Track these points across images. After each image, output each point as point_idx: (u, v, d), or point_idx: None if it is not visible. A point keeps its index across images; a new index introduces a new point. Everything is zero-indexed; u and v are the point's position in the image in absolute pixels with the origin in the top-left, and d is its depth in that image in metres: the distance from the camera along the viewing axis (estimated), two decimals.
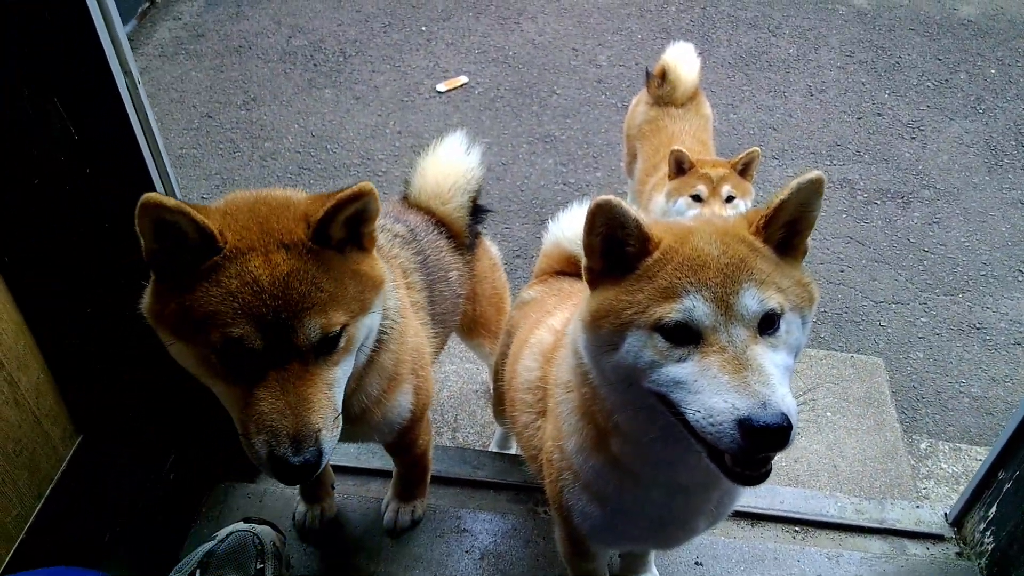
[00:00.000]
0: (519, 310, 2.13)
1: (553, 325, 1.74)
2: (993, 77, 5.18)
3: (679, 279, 1.18)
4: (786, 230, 1.29)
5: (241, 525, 1.99)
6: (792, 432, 1.09)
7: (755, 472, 1.18)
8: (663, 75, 3.49)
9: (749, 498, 2.24)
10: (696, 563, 2.14)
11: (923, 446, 3.08)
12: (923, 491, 2.93)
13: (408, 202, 2.15)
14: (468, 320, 2.34)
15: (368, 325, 1.42)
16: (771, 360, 1.16)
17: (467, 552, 2.18)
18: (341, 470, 2.35)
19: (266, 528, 2.00)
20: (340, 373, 1.36)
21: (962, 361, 3.55)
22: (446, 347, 2.52)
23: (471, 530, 2.23)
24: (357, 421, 1.66)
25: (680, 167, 3.09)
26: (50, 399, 1.78)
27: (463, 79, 5.05)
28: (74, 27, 1.57)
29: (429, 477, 2.24)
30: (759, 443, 1.08)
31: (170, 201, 1.21)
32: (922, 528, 2.27)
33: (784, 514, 2.27)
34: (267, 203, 1.37)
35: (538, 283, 2.20)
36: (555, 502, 1.63)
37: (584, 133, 4.72)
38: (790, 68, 5.21)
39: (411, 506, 2.21)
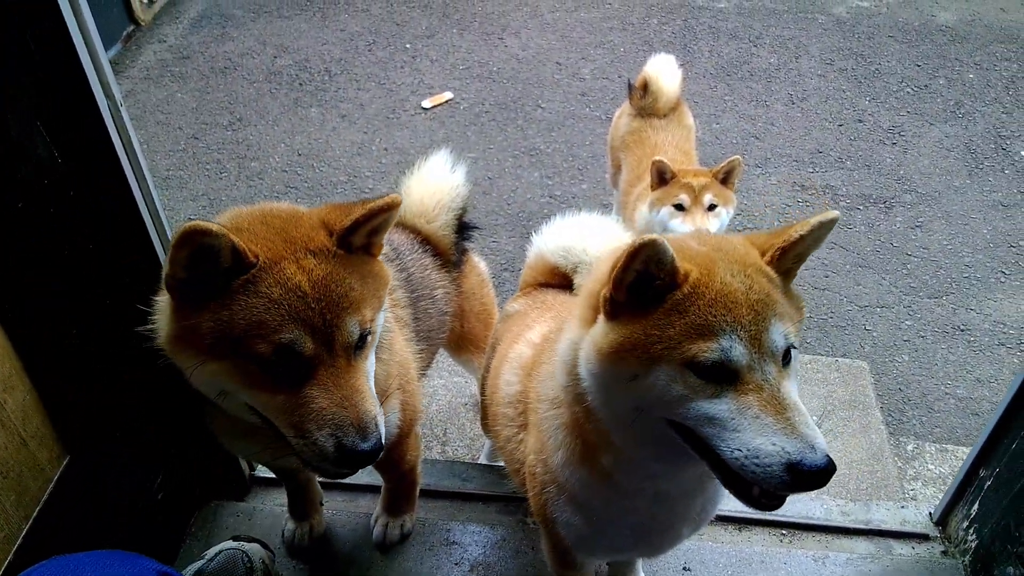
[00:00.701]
0: (503, 323, 2.15)
1: (532, 339, 1.76)
2: (971, 82, 5.25)
3: (714, 317, 1.18)
4: (794, 260, 1.32)
5: (230, 543, 1.99)
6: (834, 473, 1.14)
7: (779, 501, 1.23)
8: (645, 87, 3.54)
9: (735, 503, 2.25)
10: (684, 569, 2.16)
11: (910, 448, 3.11)
12: (910, 492, 2.96)
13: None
14: (456, 336, 2.36)
15: (381, 321, 1.49)
16: (797, 394, 1.21)
17: (457, 564, 2.19)
18: (329, 486, 2.37)
19: (255, 546, 2.01)
20: (370, 365, 1.43)
21: (947, 363, 3.59)
22: (435, 361, 2.54)
23: (460, 542, 2.24)
24: None
25: (662, 177, 3.12)
26: (36, 420, 1.79)
27: (448, 95, 5.10)
28: (56, 52, 1.59)
29: (418, 491, 2.26)
30: (805, 484, 1.13)
31: (213, 226, 1.22)
32: (907, 528, 2.29)
33: (770, 517, 2.29)
34: (276, 215, 1.42)
35: (522, 296, 2.22)
36: (539, 514, 1.65)
37: (569, 146, 4.76)
38: (771, 77, 5.27)
39: (400, 520, 2.23)
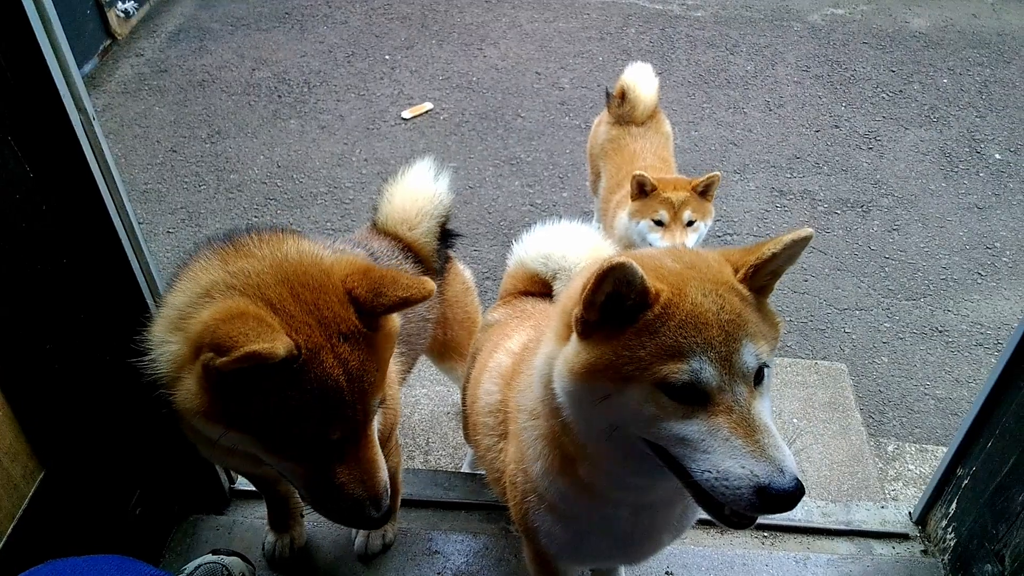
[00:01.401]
0: (484, 332, 2.16)
1: (511, 348, 1.76)
2: (945, 87, 5.32)
3: (684, 339, 1.18)
4: (769, 277, 1.32)
5: (210, 557, 1.98)
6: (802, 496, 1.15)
7: (749, 520, 1.24)
8: (623, 95, 3.56)
9: None
10: (667, 573, 2.16)
11: (890, 448, 3.13)
12: (891, 493, 2.98)
13: (376, 228, 2.18)
14: (439, 344, 2.36)
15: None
16: (769, 414, 1.22)
17: (439, 573, 2.18)
18: None
19: (235, 559, 2.00)
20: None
21: (926, 364, 3.62)
22: (417, 371, 2.53)
23: (443, 551, 2.23)
24: None
25: (642, 189, 3.15)
26: (10, 436, 1.77)
27: (428, 105, 5.11)
28: (27, 66, 1.59)
29: (399, 501, 2.25)
30: (773, 507, 1.14)
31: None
32: (887, 528, 2.31)
33: None
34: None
35: (502, 305, 2.23)
36: (520, 523, 1.65)
37: (549, 154, 4.78)
38: (748, 85, 5.32)
39: (382, 531, 2.22)
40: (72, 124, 1.68)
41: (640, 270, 1.17)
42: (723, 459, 1.15)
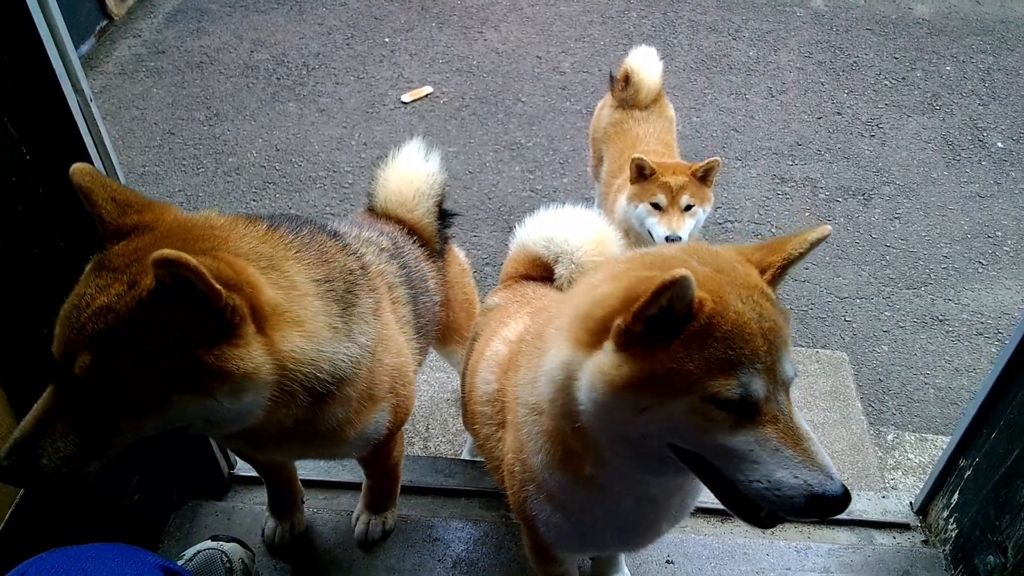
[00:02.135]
0: (483, 316, 2.14)
1: (508, 337, 1.74)
2: (948, 74, 5.29)
3: (732, 351, 1.16)
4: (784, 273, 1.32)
5: (209, 543, 1.97)
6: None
7: (781, 520, 1.27)
8: (627, 79, 3.53)
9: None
10: (667, 561, 2.16)
11: (890, 437, 3.13)
12: (891, 482, 2.98)
13: (375, 213, 2.15)
14: (443, 327, 2.34)
15: None
16: (804, 420, 1.22)
17: (439, 561, 2.18)
18: (310, 484, 2.34)
19: (234, 545, 1.99)
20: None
21: (926, 353, 3.62)
22: None
23: (443, 539, 2.23)
24: (328, 438, 1.62)
25: (641, 172, 3.12)
26: (7, 422, 1.75)
27: (427, 89, 5.06)
28: (23, 47, 1.56)
29: (399, 488, 2.24)
30: (824, 511, 1.18)
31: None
32: (888, 518, 2.31)
33: None
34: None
35: (503, 288, 2.22)
36: (519, 512, 1.64)
37: (550, 140, 4.74)
38: (751, 71, 5.28)
39: (382, 517, 2.21)
40: (69, 106, 1.65)
41: (695, 283, 1.13)
42: (774, 470, 1.16)
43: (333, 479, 2.37)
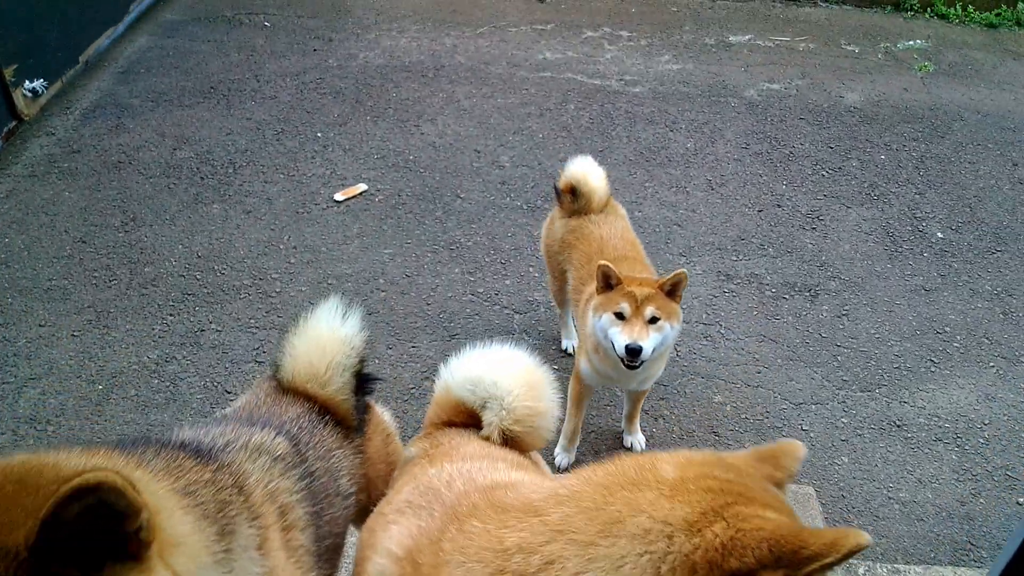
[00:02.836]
0: (400, 471, 1.91)
1: (392, 550, 1.36)
2: (883, 163, 5.34)
3: None
4: None
5: None
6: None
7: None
8: (572, 190, 3.40)
9: None
10: None
11: (861, 571, 2.93)
12: None
13: (282, 387, 1.89)
14: (361, 509, 2.01)
15: None
16: None
17: None
18: None
19: None
20: None
21: (887, 463, 3.47)
22: None
23: None
24: None
25: (607, 282, 2.95)
26: None
27: (362, 187, 4.87)
28: None
29: None
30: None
31: None
32: None
33: None
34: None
35: (424, 437, 2.01)
36: None
37: (491, 238, 4.58)
38: (689, 163, 5.24)
39: None
40: None
41: None
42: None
43: None
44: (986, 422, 3.68)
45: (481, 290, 4.25)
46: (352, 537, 2.44)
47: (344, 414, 1.86)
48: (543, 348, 3.87)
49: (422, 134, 5.38)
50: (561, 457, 3.46)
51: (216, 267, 4.22)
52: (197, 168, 4.92)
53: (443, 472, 1.57)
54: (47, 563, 0.91)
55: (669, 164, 5.22)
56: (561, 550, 1.08)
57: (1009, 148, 5.53)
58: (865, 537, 1.05)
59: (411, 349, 3.88)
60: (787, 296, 4.30)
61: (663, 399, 3.72)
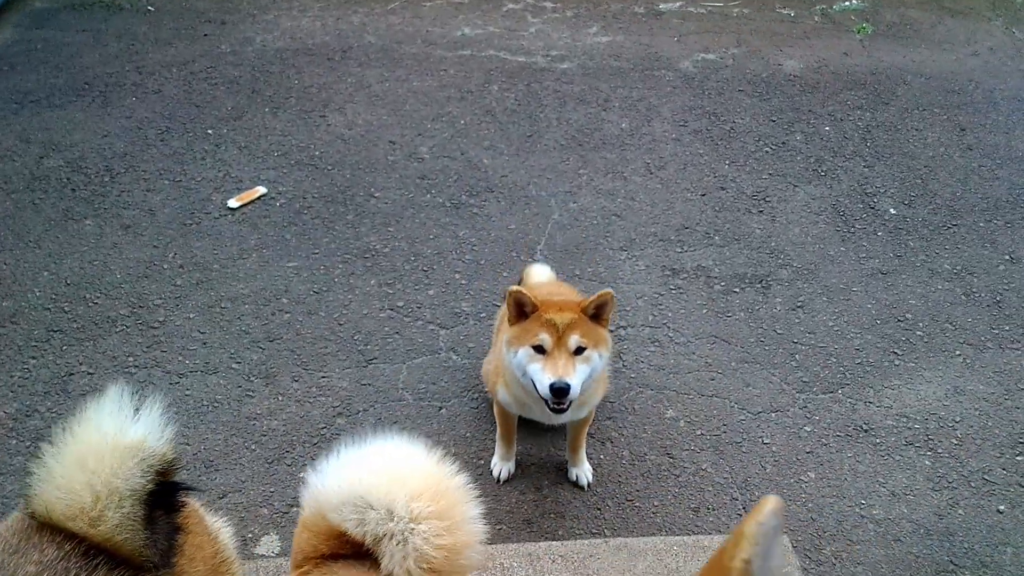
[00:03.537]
0: None
1: None
2: (828, 135, 5.00)
3: None
4: None
5: None
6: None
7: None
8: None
9: None
10: None
11: None
12: None
13: (36, 521, 1.34)
14: None
15: None
16: None
17: None
18: None
19: None
20: None
21: (856, 476, 3.13)
22: None
23: None
24: None
25: (521, 310, 2.51)
26: None
27: (260, 190, 4.31)
28: None
29: None
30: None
31: None
32: None
33: None
34: None
35: None
36: None
37: (410, 242, 4.08)
38: (625, 145, 4.82)
39: None
40: None
41: None
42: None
43: None
44: (957, 419, 3.37)
45: (401, 303, 3.76)
46: None
47: (130, 553, 1.34)
48: (473, 369, 3.41)
49: (328, 126, 4.83)
50: (499, 468, 3.05)
51: (88, 296, 3.63)
52: (68, 178, 4.28)
53: None
54: None
55: (604, 147, 4.79)
56: None
57: (955, 112, 5.25)
58: None
59: (321, 380, 3.38)
60: (737, 289, 3.93)
61: (610, 418, 3.31)
